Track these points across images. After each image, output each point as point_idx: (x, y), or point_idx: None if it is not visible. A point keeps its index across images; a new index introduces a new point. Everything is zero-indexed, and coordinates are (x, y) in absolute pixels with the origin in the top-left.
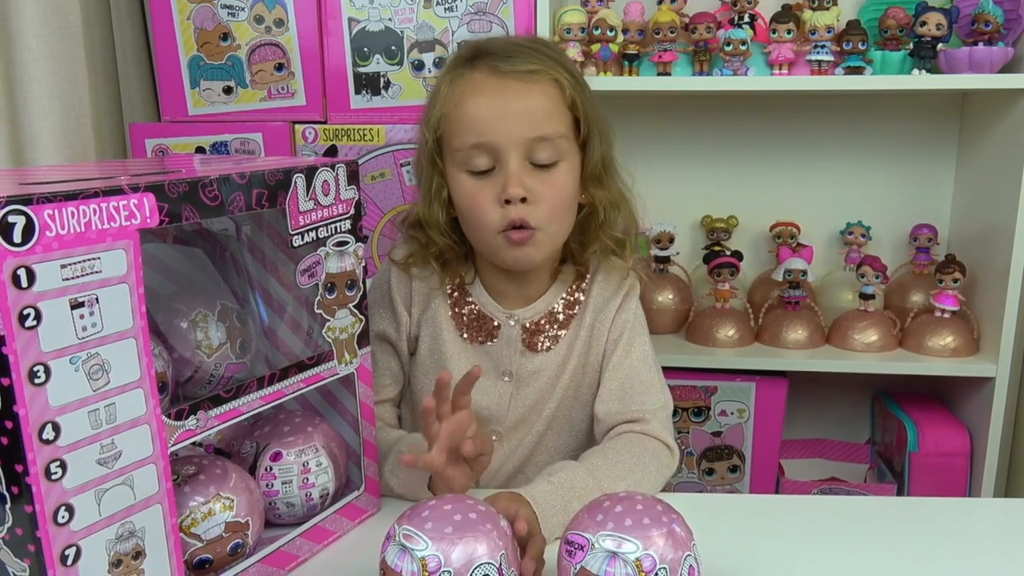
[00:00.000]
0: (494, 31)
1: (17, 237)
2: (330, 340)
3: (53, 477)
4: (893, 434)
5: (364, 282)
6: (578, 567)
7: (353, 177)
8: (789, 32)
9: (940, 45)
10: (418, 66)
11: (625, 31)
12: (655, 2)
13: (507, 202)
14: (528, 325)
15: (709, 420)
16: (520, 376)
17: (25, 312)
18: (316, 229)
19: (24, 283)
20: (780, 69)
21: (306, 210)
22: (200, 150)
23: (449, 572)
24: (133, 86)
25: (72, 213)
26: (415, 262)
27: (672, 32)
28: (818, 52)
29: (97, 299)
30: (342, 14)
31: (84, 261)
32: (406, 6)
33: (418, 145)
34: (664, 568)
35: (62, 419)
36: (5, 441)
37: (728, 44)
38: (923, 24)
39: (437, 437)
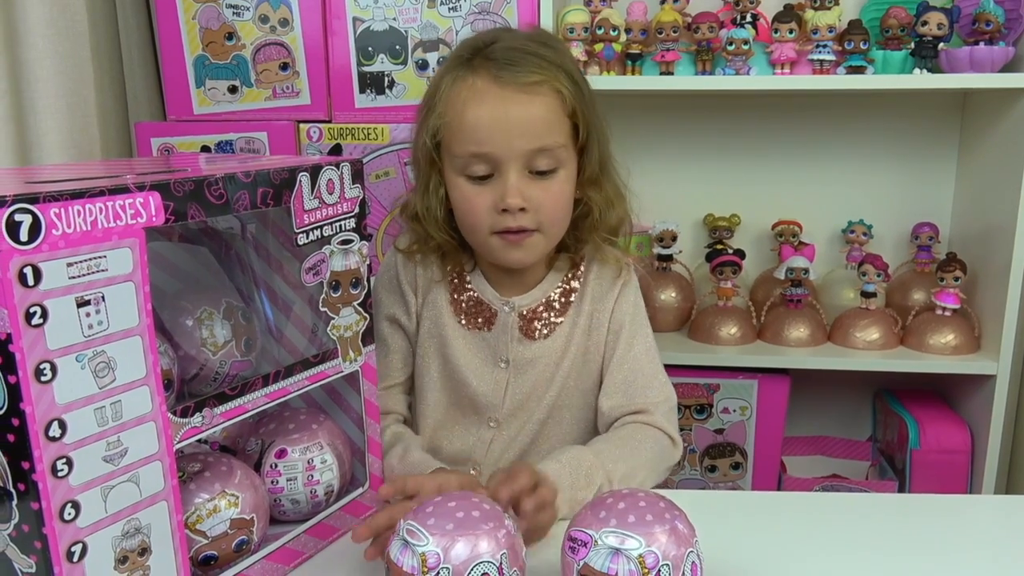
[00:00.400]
0: (454, 53)
1: (24, 236)
2: (335, 338)
3: (59, 474)
4: (894, 431)
5: (368, 280)
6: (581, 563)
7: (357, 176)
8: (791, 32)
9: (941, 45)
10: (422, 65)
11: (628, 31)
12: (658, 2)
13: (505, 211)
14: (525, 313)
15: (712, 417)
16: (517, 363)
17: (31, 310)
18: (321, 227)
19: (30, 281)
20: (782, 68)
21: (311, 208)
22: (205, 149)
23: (448, 569)
24: (139, 85)
25: (78, 212)
26: (419, 249)
27: (675, 32)
28: (820, 52)
29: (103, 297)
30: (347, 14)
31: (90, 259)
32: (410, 6)
33: (414, 141)
34: (667, 565)
35: (68, 416)
36: (12, 438)
37: (730, 44)
38: (924, 24)
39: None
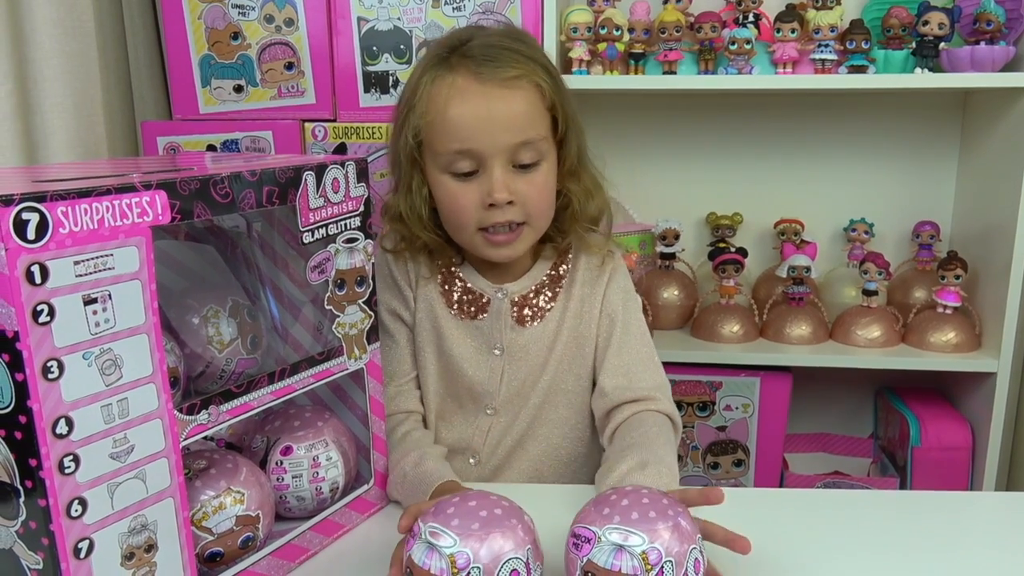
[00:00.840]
0: (428, 53)
1: (31, 234)
2: (340, 336)
3: (66, 471)
4: (896, 429)
5: (373, 278)
6: (585, 560)
7: (362, 175)
8: (793, 31)
9: (942, 44)
10: (408, 82)
11: (631, 30)
12: (661, 2)
13: (492, 206)
14: (517, 299)
15: (714, 415)
16: (511, 350)
17: (39, 308)
18: (326, 226)
19: (38, 279)
20: (784, 68)
21: (316, 207)
22: (211, 148)
23: (479, 568)
24: (145, 85)
25: (85, 210)
26: (406, 248)
27: (677, 31)
28: (822, 51)
29: (110, 295)
30: (351, 13)
31: (97, 258)
32: (415, 6)
33: (393, 142)
34: (670, 561)
35: (75, 414)
36: (19, 436)
37: (733, 43)
38: (925, 23)
39: None
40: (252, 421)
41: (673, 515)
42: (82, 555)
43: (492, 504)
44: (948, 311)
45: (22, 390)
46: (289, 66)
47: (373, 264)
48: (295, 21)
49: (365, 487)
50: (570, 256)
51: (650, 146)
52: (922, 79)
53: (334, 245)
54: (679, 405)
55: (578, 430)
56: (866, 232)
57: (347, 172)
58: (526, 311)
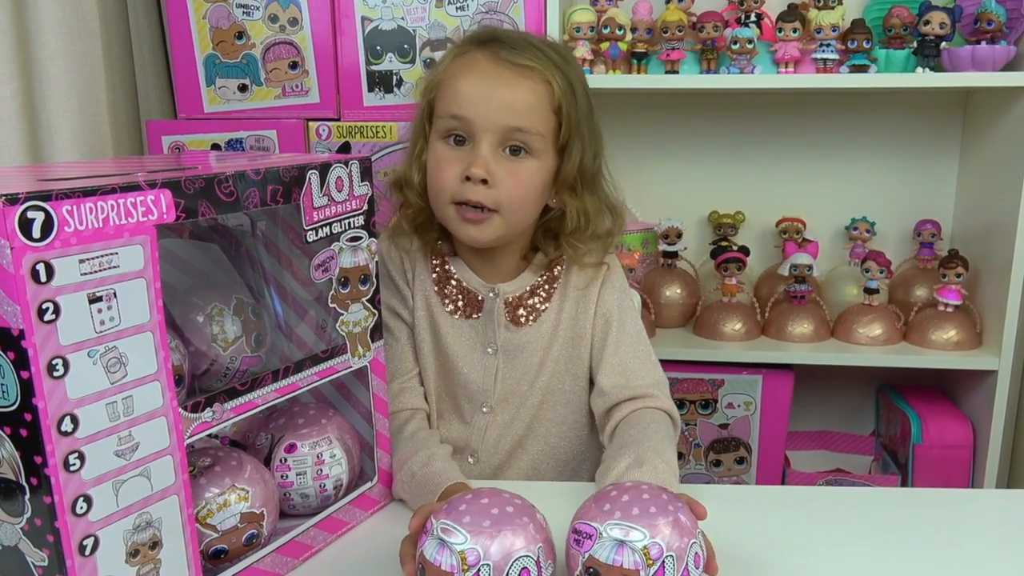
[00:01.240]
0: (469, 31)
1: (36, 232)
2: (344, 334)
3: (71, 468)
4: (897, 426)
5: (377, 277)
6: (586, 556)
7: (366, 173)
8: (795, 31)
9: (943, 44)
10: (430, 64)
11: (634, 30)
12: (663, 1)
13: (468, 179)
14: (510, 299)
15: (716, 413)
16: (506, 349)
17: (44, 306)
18: (330, 225)
19: (43, 278)
20: (786, 67)
21: (320, 206)
22: (216, 147)
23: (488, 565)
24: (150, 84)
25: (90, 209)
26: (401, 220)
27: (680, 31)
28: (823, 51)
29: (115, 293)
30: (355, 13)
31: (102, 256)
32: (418, 5)
33: (416, 110)
34: (671, 556)
35: (80, 411)
36: (24, 433)
37: (735, 43)
38: (927, 23)
39: None
40: (256, 419)
41: (673, 510)
42: (87, 552)
43: (504, 502)
44: (949, 309)
45: (27, 388)
46: (293, 65)
47: (377, 263)
48: (299, 21)
49: (369, 484)
50: (564, 258)
51: (652, 145)
52: (923, 78)
53: (338, 244)
54: (681, 403)
55: (576, 429)
56: (867, 231)
57: (351, 171)
58: (520, 311)
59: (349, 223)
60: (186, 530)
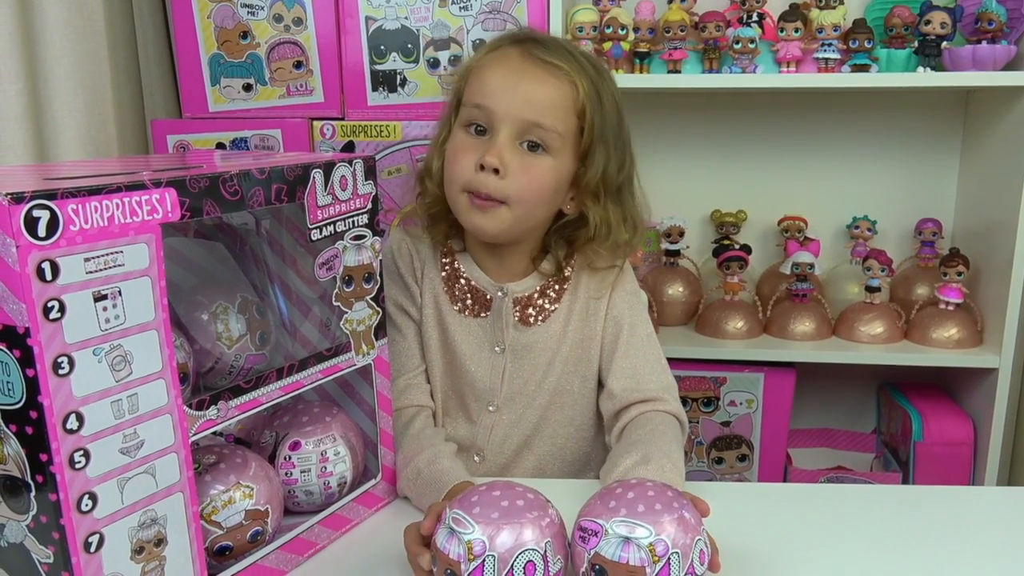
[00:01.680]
0: (507, 29)
1: (42, 231)
2: (348, 332)
3: (77, 466)
4: (898, 424)
5: (381, 275)
6: (592, 553)
7: (370, 172)
8: (797, 31)
9: (944, 43)
10: (433, 64)
11: (636, 29)
12: (666, 1)
13: (482, 168)
14: (519, 298)
15: (718, 410)
16: (514, 348)
17: (49, 304)
18: (334, 223)
19: (48, 276)
20: (788, 67)
21: (324, 205)
22: (220, 146)
23: (493, 556)
24: (155, 83)
25: (95, 208)
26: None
27: (682, 30)
28: (825, 50)
29: (120, 292)
30: (359, 13)
31: (107, 255)
32: (422, 5)
33: (447, 101)
34: (676, 553)
35: (85, 409)
36: (30, 431)
37: (737, 42)
38: (928, 23)
39: None
40: (261, 416)
41: (678, 507)
42: (92, 549)
43: (516, 495)
44: (950, 307)
45: (33, 386)
46: (298, 65)
47: (380, 261)
48: (304, 20)
49: (373, 482)
50: (574, 260)
51: (655, 144)
52: (924, 78)
53: (342, 242)
54: (684, 401)
55: (583, 430)
56: (869, 229)
57: (355, 170)
58: (529, 311)
59: (353, 222)
60: (191, 527)
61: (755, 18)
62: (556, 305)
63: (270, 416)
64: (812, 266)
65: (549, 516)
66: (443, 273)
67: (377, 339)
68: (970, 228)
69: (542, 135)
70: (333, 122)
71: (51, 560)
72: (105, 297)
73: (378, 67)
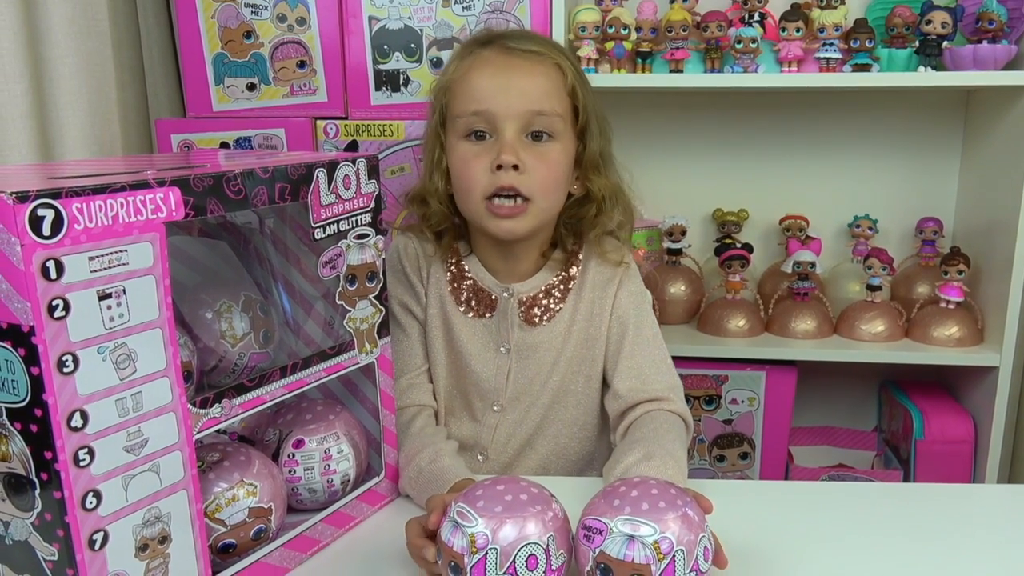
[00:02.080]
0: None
1: (46, 230)
2: (351, 330)
3: (81, 464)
4: (899, 422)
5: (384, 274)
6: (597, 551)
7: (373, 172)
8: (798, 30)
9: (945, 43)
10: (437, 63)
11: (638, 29)
12: (668, 1)
13: (499, 168)
14: (524, 299)
15: (720, 408)
16: (519, 349)
17: (54, 303)
18: (337, 222)
19: (53, 275)
20: (789, 66)
21: (327, 204)
22: (224, 145)
23: (496, 549)
24: (159, 83)
25: (100, 207)
26: (416, 231)
27: (684, 30)
28: (826, 50)
29: (124, 290)
30: (363, 13)
31: (111, 253)
32: (425, 5)
33: (427, 121)
34: (681, 550)
35: (90, 407)
36: (35, 429)
37: (739, 42)
38: (929, 22)
39: None
40: (265, 414)
41: (682, 505)
42: (97, 546)
43: (520, 490)
44: (951, 306)
45: (38, 384)
46: (301, 64)
47: (384, 260)
48: (307, 20)
49: (376, 479)
50: (580, 258)
51: (657, 143)
52: (925, 77)
53: (345, 241)
54: (686, 399)
55: (587, 430)
56: (870, 228)
57: (358, 169)
58: (535, 311)
59: (356, 220)
60: (195, 525)
61: (757, 18)
62: (561, 305)
63: (273, 414)
64: (813, 265)
65: (552, 511)
66: (448, 274)
67: (380, 337)
68: (971, 227)
69: (545, 122)
70: (336, 121)
71: (55, 557)
72: (109, 296)
73: (381, 67)
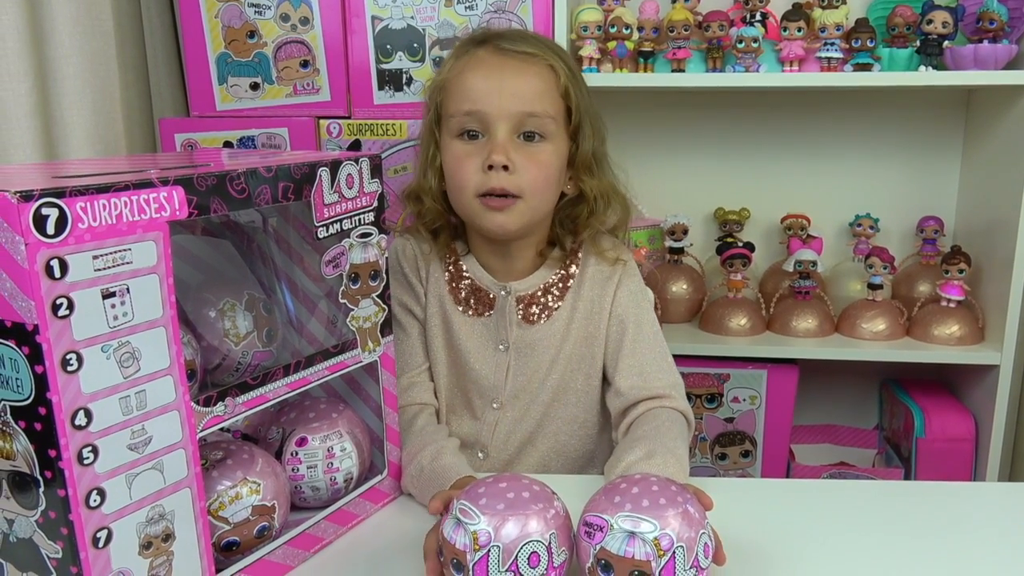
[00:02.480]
0: (469, 35)
1: (50, 229)
2: (354, 329)
3: (85, 462)
4: (900, 420)
5: (387, 272)
6: (598, 548)
7: (376, 171)
8: (799, 30)
9: (946, 42)
10: (439, 63)
11: (640, 29)
12: (669, 1)
13: (490, 168)
14: (523, 297)
15: (722, 407)
16: (518, 346)
17: (58, 302)
18: (340, 221)
19: (57, 273)
20: (791, 66)
21: (331, 203)
22: (228, 144)
23: (499, 547)
24: (163, 82)
25: (104, 206)
26: (416, 226)
27: (686, 30)
28: (827, 49)
29: (128, 289)
30: (366, 12)
31: (115, 252)
32: (428, 5)
33: (423, 120)
34: (681, 546)
35: (94, 405)
36: (39, 427)
37: (740, 41)
38: (930, 22)
39: None
40: (268, 413)
41: (682, 501)
42: (100, 544)
43: (522, 487)
44: (952, 305)
45: (42, 382)
46: (304, 64)
47: (387, 258)
48: (310, 20)
49: (379, 477)
50: (579, 256)
51: (659, 143)
52: (926, 77)
53: (348, 240)
54: (687, 397)
55: (587, 428)
56: (871, 227)
57: (361, 168)
58: (533, 308)
59: (359, 219)
60: (198, 522)
61: (758, 17)
62: (560, 303)
63: (277, 412)
64: (815, 263)
65: (555, 508)
66: (447, 274)
67: (383, 336)
68: (971, 226)
69: (537, 124)
70: (339, 121)
71: (60, 555)
72: (113, 294)
73: (384, 66)
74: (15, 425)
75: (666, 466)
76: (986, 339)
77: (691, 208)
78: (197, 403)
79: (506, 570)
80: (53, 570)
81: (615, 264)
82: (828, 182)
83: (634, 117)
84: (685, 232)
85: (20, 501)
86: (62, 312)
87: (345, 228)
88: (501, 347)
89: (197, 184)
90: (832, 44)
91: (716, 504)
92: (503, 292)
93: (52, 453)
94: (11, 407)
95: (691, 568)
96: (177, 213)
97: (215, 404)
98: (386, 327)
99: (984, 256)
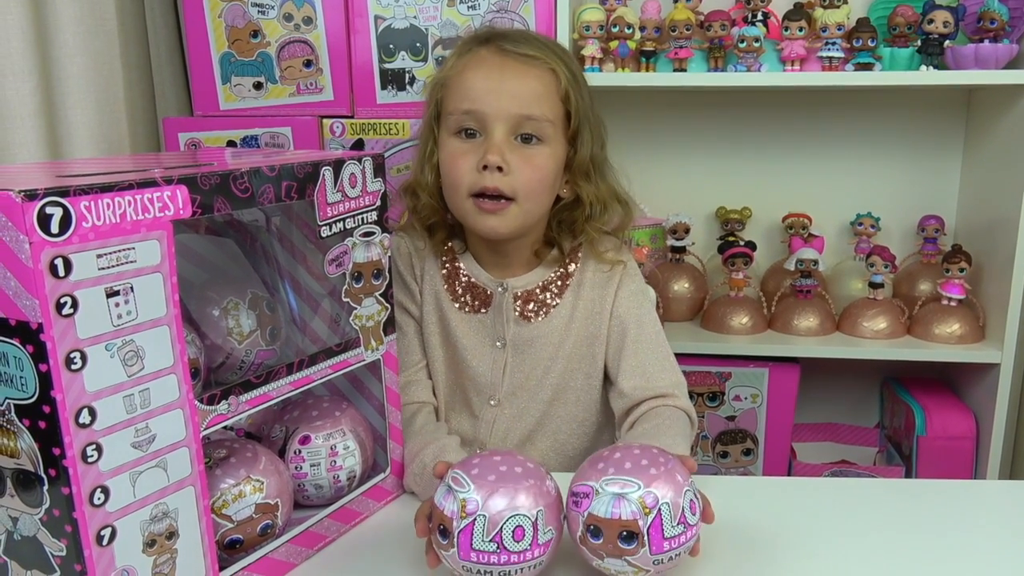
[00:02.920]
0: (472, 33)
1: (55, 228)
2: (357, 327)
3: (89, 460)
4: (901, 418)
5: (390, 271)
6: (586, 514)
7: (379, 170)
8: (801, 29)
9: (947, 42)
10: (442, 63)
11: (642, 28)
12: (671, 0)
13: (485, 168)
14: (520, 294)
15: (723, 405)
16: (515, 344)
17: (62, 300)
18: (343, 220)
19: (61, 272)
20: (792, 65)
21: (334, 202)
22: (231, 144)
23: (484, 516)
24: (166, 82)
25: (108, 205)
26: (414, 222)
27: (688, 29)
28: (829, 49)
29: (132, 288)
30: (368, 12)
31: (119, 251)
32: (430, 4)
33: (423, 114)
34: (666, 504)
35: (98, 404)
36: (43, 425)
37: (742, 41)
38: (931, 22)
39: None
40: (271, 411)
41: (663, 462)
42: (104, 542)
43: (515, 463)
44: (952, 303)
45: (46, 381)
46: (308, 63)
47: (390, 257)
48: (313, 19)
49: (382, 475)
50: (579, 255)
51: (661, 142)
52: (927, 76)
53: (351, 239)
54: (689, 395)
55: (586, 427)
56: (872, 226)
57: (364, 167)
58: (531, 306)
59: (362, 218)
60: (202, 520)
61: (760, 17)
62: (558, 301)
63: (280, 411)
64: (816, 262)
65: (546, 487)
66: (443, 272)
67: (386, 335)
68: (972, 225)
69: (535, 126)
70: (342, 120)
71: (64, 553)
72: (117, 293)
73: (387, 66)
74: (19, 423)
75: None
76: (987, 338)
77: (693, 207)
78: (201, 401)
79: (489, 540)
80: (57, 568)
81: (615, 265)
82: (829, 181)
83: (636, 117)
84: (687, 231)
85: (24, 499)
86: (66, 311)
87: (348, 227)
88: (498, 344)
89: (201, 183)
90: (833, 44)
91: (717, 502)
92: (500, 289)
93: (56, 451)
94: (15, 405)
95: (679, 524)
96: (181, 212)
97: (219, 402)
98: (389, 326)
99: (985, 255)
